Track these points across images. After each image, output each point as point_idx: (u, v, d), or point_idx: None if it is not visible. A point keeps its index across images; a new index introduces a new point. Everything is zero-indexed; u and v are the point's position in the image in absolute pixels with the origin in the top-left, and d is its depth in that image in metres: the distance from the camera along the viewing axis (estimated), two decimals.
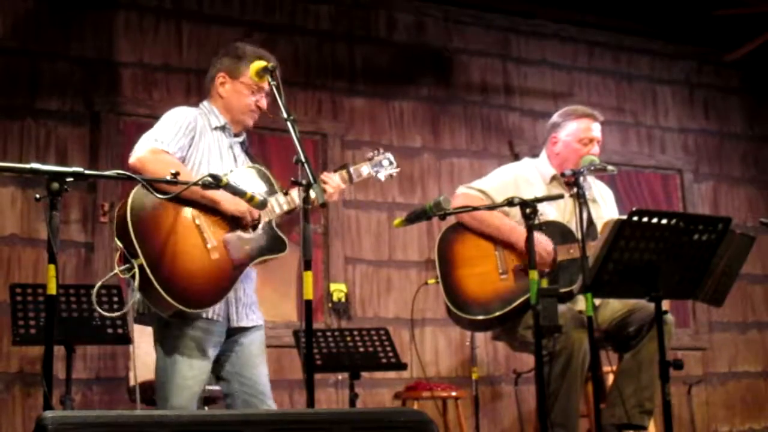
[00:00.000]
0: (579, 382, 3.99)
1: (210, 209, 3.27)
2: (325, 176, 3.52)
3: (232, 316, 3.38)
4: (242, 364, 3.41)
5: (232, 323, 3.38)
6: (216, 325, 3.33)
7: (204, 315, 3.28)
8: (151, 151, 3.28)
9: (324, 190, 3.38)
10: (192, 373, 3.25)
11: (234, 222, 3.30)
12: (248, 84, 3.49)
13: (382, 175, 3.79)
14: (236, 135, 3.57)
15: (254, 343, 3.46)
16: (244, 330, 3.44)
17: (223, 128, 3.52)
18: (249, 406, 3.31)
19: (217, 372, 3.42)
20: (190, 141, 3.40)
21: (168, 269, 3.14)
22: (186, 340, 3.26)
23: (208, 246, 3.23)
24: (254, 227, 3.33)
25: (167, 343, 3.30)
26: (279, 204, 3.40)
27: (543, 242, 4.01)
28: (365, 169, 3.72)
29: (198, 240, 3.23)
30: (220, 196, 3.22)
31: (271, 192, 3.43)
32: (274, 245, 3.38)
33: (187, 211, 3.23)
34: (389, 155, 3.84)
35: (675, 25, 7.44)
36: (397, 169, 3.86)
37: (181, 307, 3.13)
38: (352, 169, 3.66)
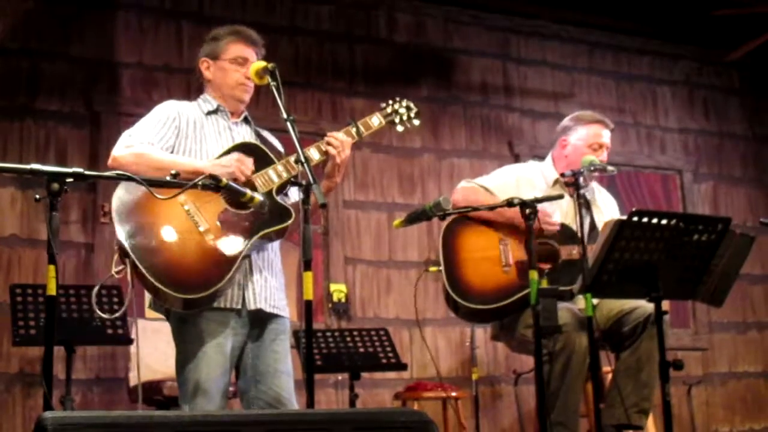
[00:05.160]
0: (579, 382, 3.99)
1: (199, 193, 3.17)
2: (329, 135, 3.42)
3: (248, 299, 3.27)
4: (262, 373, 3.32)
5: (249, 306, 3.27)
6: (232, 316, 3.25)
7: (218, 304, 3.20)
8: (124, 145, 3.28)
9: (333, 160, 3.37)
10: (209, 370, 3.18)
11: (228, 200, 3.20)
12: (231, 59, 3.48)
13: (400, 127, 3.66)
14: (234, 115, 3.52)
15: (276, 342, 3.36)
16: (265, 322, 3.35)
17: (216, 111, 3.49)
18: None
19: (237, 367, 3.34)
20: (174, 130, 3.37)
21: (162, 261, 3.08)
22: (202, 335, 3.20)
23: (201, 229, 3.15)
24: (265, 207, 3.19)
25: (184, 340, 3.24)
26: (278, 173, 3.32)
27: (544, 213, 3.98)
28: (375, 120, 3.58)
29: (189, 225, 3.16)
30: (203, 165, 3.18)
31: (266, 163, 3.34)
32: (275, 217, 3.25)
33: (175, 199, 3.12)
34: (408, 102, 3.69)
35: (675, 25, 7.44)
36: (418, 118, 3.69)
37: (180, 295, 3.06)
38: (359, 123, 3.52)
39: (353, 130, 3.49)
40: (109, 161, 3.26)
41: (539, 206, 3.78)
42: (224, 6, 6.24)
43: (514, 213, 3.97)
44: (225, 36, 3.53)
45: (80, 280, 5.41)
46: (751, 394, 7.25)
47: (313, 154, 3.36)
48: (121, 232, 3.07)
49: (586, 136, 4.39)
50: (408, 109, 3.68)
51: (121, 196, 3.13)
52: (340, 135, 3.42)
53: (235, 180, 3.15)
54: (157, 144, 3.31)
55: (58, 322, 3.49)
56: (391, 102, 3.68)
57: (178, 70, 5.98)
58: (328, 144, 3.39)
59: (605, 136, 4.42)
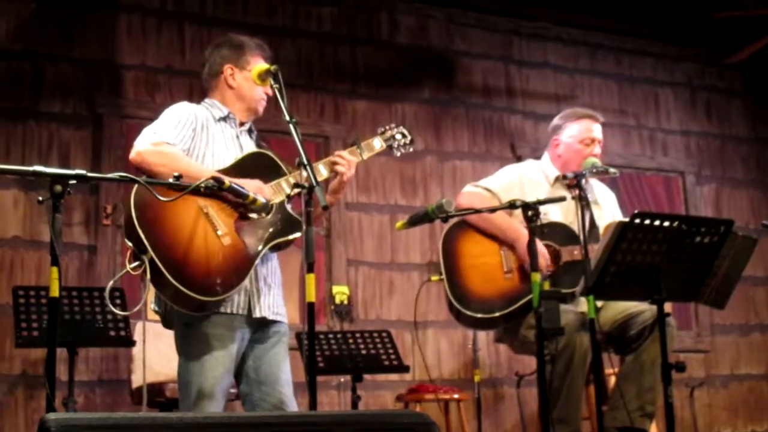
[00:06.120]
0: (581, 380, 3.99)
1: (218, 197, 3.19)
2: (336, 153, 3.49)
3: (254, 307, 3.30)
4: (265, 375, 3.35)
5: (254, 314, 3.29)
6: (238, 320, 3.27)
7: (224, 309, 3.21)
8: (151, 143, 3.25)
9: (341, 177, 3.46)
10: (215, 374, 3.19)
11: (244, 207, 3.21)
12: None
13: (397, 152, 3.76)
14: (242, 124, 3.54)
15: (278, 345, 3.40)
16: (267, 326, 3.38)
17: (225, 118, 3.49)
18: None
19: (237, 371, 3.35)
20: (191, 132, 3.36)
21: (179, 260, 3.06)
22: (209, 339, 3.20)
23: (219, 232, 3.16)
24: (267, 211, 3.25)
25: (190, 344, 3.23)
26: (290, 185, 3.34)
27: (540, 253, 4.00)
28: (377, 143, 3.68)
29: (207, 227, 3.16)
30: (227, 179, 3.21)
31: (279, 174, 3.38)
32: (288, 227, 3.31)
33: (194, 201, 3.14)
34: (402, 129, 3.78)
35: (677, 27, 7.44)
36: (412, 146, 3.79)
37: (197, 296, 3.05)
38: (363, 144, 3.60)
39: (358, 151, 3.57)
40: (133, 155, 3.24)
41: (540, 249, 3.83)
42: (226, 8, 6.24)
43: (517, 241, 4.01)
44: (250, 47, 3.53)
45: (83, 281, 5.41)
46: (753, 396, 7.24)
47: (322, 170, 3.43)
48: (141, 229, 3.04)
49: (578, 133, 4.39)
50: (403, 135, 3.77)
51: (142, 192, 3.09)
52: (347, 154, 3.50)
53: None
54: (177, 145, 3.31)
55: (60, 324, 3.49)
56: (387, 127, 3.76)
57: (180, 72, 5.98)
58: (336, 162, 3.46)
59: (596, 130, 4.41)
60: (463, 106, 6.80)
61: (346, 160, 3.47)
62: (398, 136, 3.75)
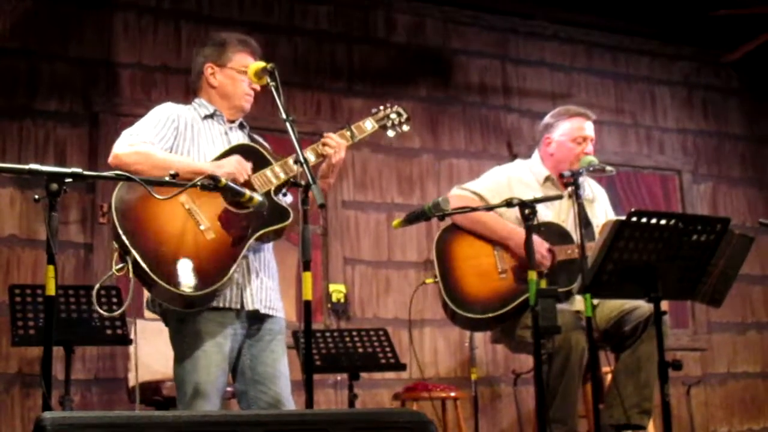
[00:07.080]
0: (577, 379, 3.99)
1: (200, 192, 3.15)
2: (325, 135, 3.48)
3: (246, 301, 3.29)
4: (261, 373, 3.34)
5: (246, 307, 3.29)
6: (230, 316, 3.27)
7: (216, 304, 3.21)
8: (127, 144, 3.27)
9: (329, 160, 3.44)
10: (209, 372, 3.19)
11: (227, 200, 3.20)
12: (238, 69, 3.49)
13: (391, 132, 3.71)
14: (231, 121, 3.54)
15: (273, 343, 3.39)
16: (261, 322, 3.37)
17: (212, 116, 3.49)
18: None
19: (233, 368, 3.35)
20: (173, 132, 3.37)
21: (162, 258, 3.08)
22: (202, 337, 3.20)
23: (201, 227, 3.16)
24: (264, 208, 3.22)
25: (183, 341, 3.24)
26: (275, 174, 3.34)
27: (537, 244, 3.99)
28: (368, 124, 3.63)
29: (190, 224, 3.17)
30: (204, 166, 3.20)
31: (265, 164, 3.37)
32: (274, 217, 3.29)
33: (176, 198, 3.12)
34: (398, 108, 3.73)
35: (674, 25, 7.44)
36: (408, 124, 3.73)
37: (183, 292, 3.06)
38: (353, 127, 3.57)
39: (348, 134, 3.54)
40: (111, 159, 3.26)
41: (537, 240, 3.80)
42: (223, 6, 6.23)
43: (510, 239, 4.01)
44: (232, 44, 3.53)
45: (79, 280, 5.40)
46: (749, 394, 7.25)
47: (310, 156, 3.39)
48: (123, 230, 3.06)
49: (570, 131, 4.36)
50: (398, 114, 3.73)
51: (122, 194, 3.13)
52: (336, 137, 3.47)
53: (235, 181, 3.16)
54: (157, 144, 3.31)
55: (57, 323, 3.48)
56: (382, 107, 3.72)
57: (176, 70, 5.97)
58: (325, 145, 3.45)
59: (588, 128, 4.39)
60: (459, 105, 6.80)
61: (335, 143, 3.45)
62: (393, 116, 3.70)
